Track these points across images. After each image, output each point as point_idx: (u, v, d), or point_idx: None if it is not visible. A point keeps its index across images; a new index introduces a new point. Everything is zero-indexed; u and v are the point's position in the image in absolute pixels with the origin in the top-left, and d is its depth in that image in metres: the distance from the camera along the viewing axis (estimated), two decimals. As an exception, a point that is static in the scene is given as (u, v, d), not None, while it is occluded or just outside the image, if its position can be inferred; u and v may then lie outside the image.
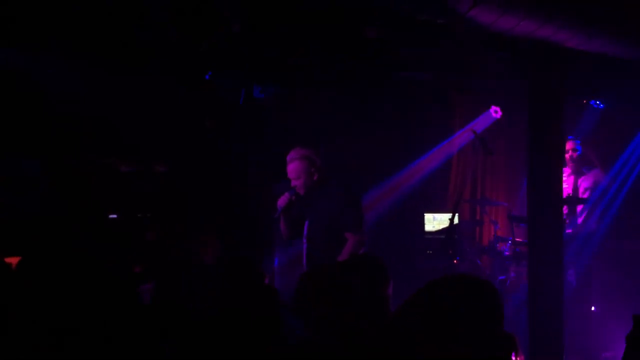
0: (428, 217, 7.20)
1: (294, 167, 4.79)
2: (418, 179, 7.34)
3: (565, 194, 5.97)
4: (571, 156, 6.60)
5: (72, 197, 4.85)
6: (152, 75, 5.27)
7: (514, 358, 1.90)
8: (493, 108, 7.42)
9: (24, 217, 4.58)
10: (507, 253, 6.53)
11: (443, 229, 6.76)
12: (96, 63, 4.96)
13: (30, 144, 4.97)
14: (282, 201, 4.86)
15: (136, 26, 4.61)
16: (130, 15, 4.43)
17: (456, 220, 5.33)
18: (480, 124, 7.40)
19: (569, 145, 6.62)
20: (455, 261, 6.08)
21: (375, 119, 6.94)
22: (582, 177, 6.69)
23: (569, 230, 6.32)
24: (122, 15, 4.42)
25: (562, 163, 5.12)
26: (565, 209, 6.19)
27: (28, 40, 4.62)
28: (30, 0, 4.23)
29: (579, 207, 6.68)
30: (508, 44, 4.70)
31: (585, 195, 6.60)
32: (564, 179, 6.30)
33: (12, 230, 4.27)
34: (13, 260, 3.42)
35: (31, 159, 4.96)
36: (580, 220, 6.62)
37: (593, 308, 6.16)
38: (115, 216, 5.10)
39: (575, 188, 6.65)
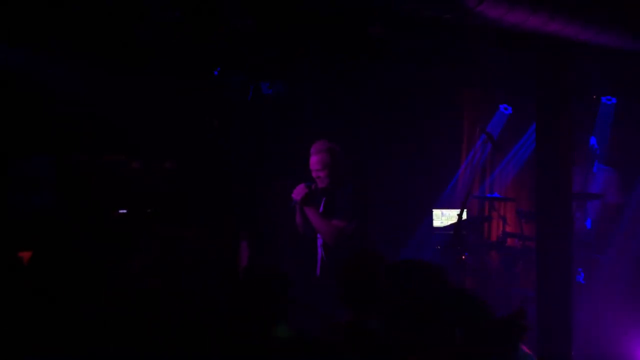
0: (436, 212, 7.18)
1: (319, 159, 4.78)
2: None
3: (575, 190, 5.92)
4: (583, 152, 6.52)
5: (79, 194, 4.87)
6: (156, 74, 5.28)
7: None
8: (502, 106, 7.41)
9: (33, 216, 4.60)
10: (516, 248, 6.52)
11: (451, 225, 6.74)
12: (100, 63, 4.98)
13: (38, 144, 4.99)
14: (298, 193, 4.83)
15: (136, 26, 4.61)
16: (131, 15, 4.43)
17: (464, 216, 5.31)
18: (494, 125, 7.40)
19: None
20: (463, 257, 6.06)
21: (382, 117, 6.93)
22: (594, 178, 6.61)
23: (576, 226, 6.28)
24: (122, 15, 4.42)
25: (571, 158, 5.08)
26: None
27: (32, 40, 4.64)
28: (31, 1, 4.24)
29: (589, 205, 6.62)
30: (517, 38, 4.67)
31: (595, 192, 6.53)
32: (574, 174, 6.25)
33: (21, 228, 4.29)
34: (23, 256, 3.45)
35: (39, 157, 4.98)
36: (589, 219, 6.58)
37: (602, 305, 6.13)
38: (125, 211, 5.11)
39: (585, 184, 6.59)
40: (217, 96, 5.84)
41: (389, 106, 6.88)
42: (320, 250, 4.90)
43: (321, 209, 4.90)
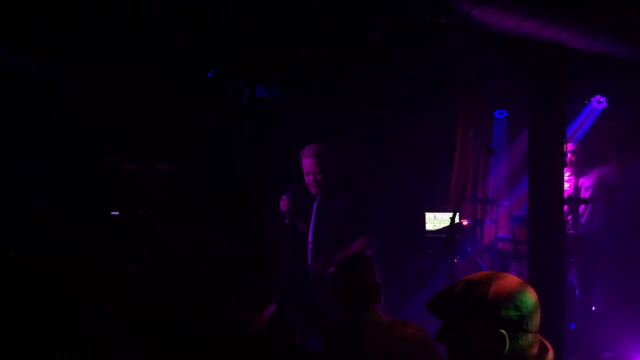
0: (429, 216, 7.20)
1: (316, 162, 4.70)
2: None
3: (566, 195, 5.95)
4: (570, 159, 6.57)
5: (77, 195, 4.86)
6: (153, 76, 5.28)
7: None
8: (497, 112, 7.46)
9: (30, 216, 4.59)
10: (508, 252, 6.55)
11: (444, 228, 6.76)
12: (97, 64, 4.98)
13: (35, 144, 4.98)
14: (284, 205, 4.82)
15: (138, 27, 4.61)
16: (132, 16, 4.43)
17: (457, 220, 5.33)
18: (495, 132, 7.45)
19: (569, 147, 6.60)
20: (455, 260, 6.08)
21: (377, 120, 6.94)
22: (584, 177, 6.65)
23: (571, 231, 6.30)
24: (122, 15, 4.42)
25: (563, 162, 5.11)
26: (566, 209, 6.17)
27: (31, 40, 4.63)
28: (33, 1, 4.24)
29: (581, 208, 6.66)
30: (511, 43, 4.70)
31: (587, 195, 6.57)
32: (564, 179, 6.28)
33: (16, 228, 4.28)
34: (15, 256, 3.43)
35: (36, 158, 4.98)
36: (582, 220, 6.60)
37: (594, 308, 6.16)
38: (117, 213, 5.09)
39: (577, 188, 6.62)
40: (214, 98, 5.84)
41: (383, 110, 6.90)
42: (309, 255, 4.88)
43: (313, 212, 4.86)
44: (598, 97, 6.89)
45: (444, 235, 6.16)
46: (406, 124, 7.16)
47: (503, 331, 1.84)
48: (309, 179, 4.75)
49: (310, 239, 4.85)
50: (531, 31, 4.35)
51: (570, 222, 6.44)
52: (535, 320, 1.90)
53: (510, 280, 1.94)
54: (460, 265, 6.43)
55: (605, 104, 6.90)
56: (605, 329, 5.68)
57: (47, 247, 3.72)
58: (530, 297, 1.91)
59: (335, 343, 3.12)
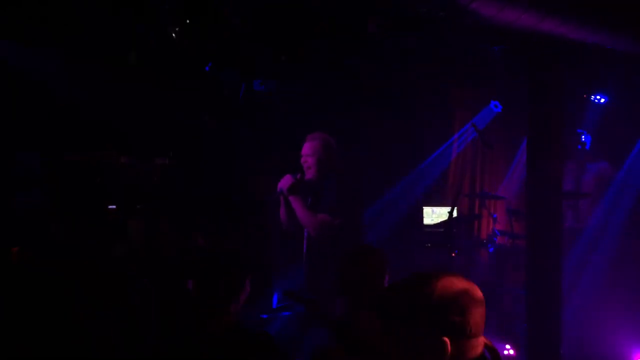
0: (427, 210, 7.20)
1: (311, 145, 4.74)
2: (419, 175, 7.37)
3: (566, 188, 5.94)
4: (574, 149, 6.54)
5: (72, 191, 4.85)
6: (149, 70, 5.26)
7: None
8: (493, 103, 7.43)
9: (25, 213, 4.58)
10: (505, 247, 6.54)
11: (442, 223, 6.75)
12: (95, 59, 4.96)
13: (34, 142, 4.97)
14: (284, 183, 4.79)
15: (136, 23, 4.59)
16: (132, 16, 4.42)
17: (455, 214, 5.31)
18: (480, 119, 7.41)
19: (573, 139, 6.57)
20: (453, 254, 6.08)
21: (375, 114, 6.94)
22: (586, 173, 6.62)
23: (568, 225, 6.29)
24: (122, 15, 4.41)
25: (561, 156, 5.10)
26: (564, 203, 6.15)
27: (31, 40, 4.62)
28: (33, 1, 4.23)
29: (580, 202, 6.64)
30: (509, 36, 4.68)
31: (587, 190, 6.55)
32: (566, 172, 6.26)
33: (13, 224, 4.27)
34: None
35: (35, 156, 4.96)
36: (581, 214, 6.59)
37: (592, 303, 6.16)
38: (114, 207, 5.08)
39: (578, 182, 6.61)
40: (211, 92, 5.83)
41: (381, 103, 6.89)
42: (305, 245, 4.88)
43: (309, 200, 4.87)
44: (598, 93, 6.86)
45: (442, 230, 6.17)
46: (404, 117, 7.16)
47: (445, 338, 1.74)
48: (302, 161, 4.80)
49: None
50: (530, 24, 4.33)
51: (569, 216, 6.43)
52: (480, 325, 1.80)
53: (457, 282, 1.83)
54: (458, 260, 6.42)
55: (605, 99, 6.87)
56: (602, 324, 5.68)
57: (45, 243, 3.71)
58: (477, 301, 1.81)
59: (334, 334, 3.11)
